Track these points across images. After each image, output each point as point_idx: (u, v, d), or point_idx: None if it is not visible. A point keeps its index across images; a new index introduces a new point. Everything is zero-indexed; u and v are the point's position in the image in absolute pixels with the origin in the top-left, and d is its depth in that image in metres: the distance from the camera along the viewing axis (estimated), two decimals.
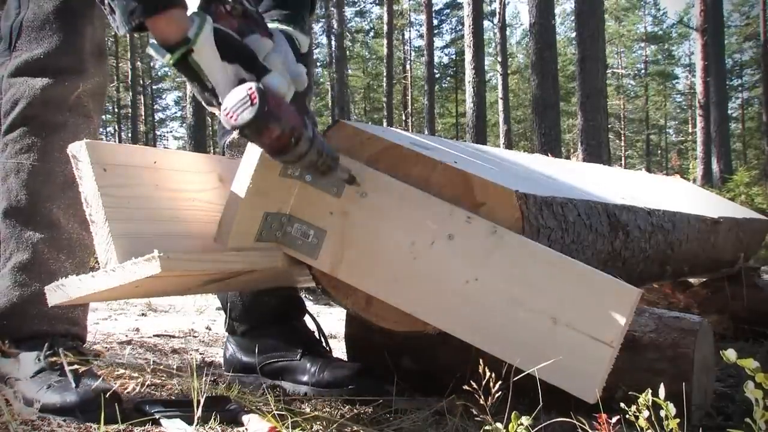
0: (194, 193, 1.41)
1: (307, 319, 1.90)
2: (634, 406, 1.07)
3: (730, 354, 1.03)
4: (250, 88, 1.17)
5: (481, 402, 1.15)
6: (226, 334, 1.93)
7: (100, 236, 1.23)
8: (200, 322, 3.19)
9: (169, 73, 37.63)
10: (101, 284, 1.22)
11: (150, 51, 1.23)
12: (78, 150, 1.24)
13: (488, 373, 1.18)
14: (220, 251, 1.34)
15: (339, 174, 1.33)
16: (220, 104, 1.22)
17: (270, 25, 1.40)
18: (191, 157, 1.48)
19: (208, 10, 1.25)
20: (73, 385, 1.40)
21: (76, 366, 1.43)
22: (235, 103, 1.17)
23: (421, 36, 35.07)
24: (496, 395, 1.19)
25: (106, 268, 1.22)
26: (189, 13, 1.23)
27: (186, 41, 1.19)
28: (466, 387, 1.21)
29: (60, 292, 1.27)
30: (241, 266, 1.37)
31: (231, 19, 1.27)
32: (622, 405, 1.09)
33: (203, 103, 1.28)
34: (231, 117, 1.17)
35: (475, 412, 1.23)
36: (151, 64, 35.33)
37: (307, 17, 1.57)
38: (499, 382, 1.16)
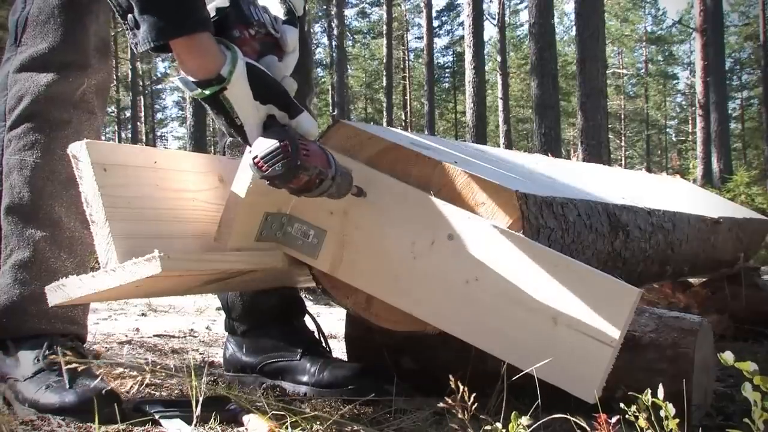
0: (195, 193, 1.41)
1: (307, 319, 1.90)
2: (634, 406, 1.07)
3: (728, 356, 1.03)
4: (284, 141, 1.16)
5: (460, 416, 1.14)
6: (226, 334, 1.93)
7: (100, 236, 1.23)
8: (200, 322, 3.19)
9: (168, 74, 37.62)
10: (102, 284, 1.22)
11: (177, 83, 1.19)
12: (78, 150, 1.24)
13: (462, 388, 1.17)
14: (220, 251, 1.34)
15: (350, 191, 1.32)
16: (247, 142, 1.20)
17: None
18: (192, 158, 1.47)
19: (232, 35, 1.21)
20: (72, 385, 1.39)
21: (74, 366, 1.43)
22: (267, 153, 1.16)
23: (419, 38, 35.11)
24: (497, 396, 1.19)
25: (106, 268, 1.22)
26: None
27: (220, 80, 1.15)
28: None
29: (60, 292, 1.27)
30: (241, 266, 1.37)
31: (253, 43, 1.25)
32: (622, 405, 1.09)
33: (225, 133, 1.26)
34: (261, 167, 1.17)
35: (475, 412, 1.23)
36: (152, 64, 35.33)
37: None
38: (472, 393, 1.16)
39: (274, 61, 1.27)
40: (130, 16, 1.17)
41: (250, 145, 1.20)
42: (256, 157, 1.17)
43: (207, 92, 1.17)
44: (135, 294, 1.48)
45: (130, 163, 1.31)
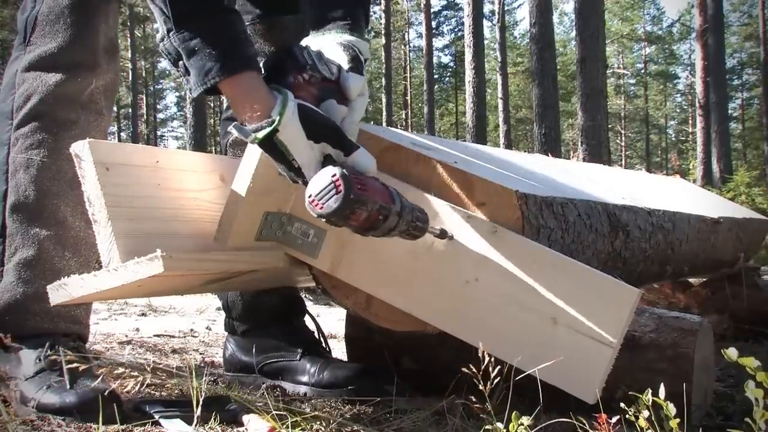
0: (196, 192, 1.41)
1: (307, 319, 1.90)
2: (634, 406, 1.08)
3: (732, 352, 1.03)
4: (335, 175, 1.13)
5: (476, 406, 1.14)
6: (226, 334, 1.93)
7: (102, 235, 1.24)
8: (200, 323, 3.20)
9: (170, 73, 37.60)
10: (104, 283, 1.23)
11: (232, 131, 1.19)
12: (81, 149, 1.25)
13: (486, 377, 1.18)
14: (221, 251, 1.34)
15: (429, 231, 1.28)
16: (305, 183, 1.18)
17: (332, 37, 1.36)
18: (193, 157, 1.48)
19: (287, 82, 1.21)
20: (73, 385, 1.40)
21: (75, 366, 1.43)
22: (320, 190, 1.14)
23: (420, 36, 35.10)
24: (497, 396, 1.19)
25: (108, 267, 1.22)
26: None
27: (271, 122, 1.16)
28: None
29: (62, 291, 1.27)
30: (242, 266, 1.38)
31: (310, 88, 1.24)
32: (622, 405, 1.10)
33: (288, 180, 1.25)
34: (316, 205, 1.14)
35: (475, 412, 1.23)
36: (154, 64, 35.30)
37: (364, 21, 1.46)
38: (497, 379, 1.16)
39: (333, 104, 1.26)
40: (181, 62, 1.19)
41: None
42: (310, 195, 1.15)
43: (260, 136, 1.16)
44: (137, 293, 1.48)
45: (133, 162, 1.31)
